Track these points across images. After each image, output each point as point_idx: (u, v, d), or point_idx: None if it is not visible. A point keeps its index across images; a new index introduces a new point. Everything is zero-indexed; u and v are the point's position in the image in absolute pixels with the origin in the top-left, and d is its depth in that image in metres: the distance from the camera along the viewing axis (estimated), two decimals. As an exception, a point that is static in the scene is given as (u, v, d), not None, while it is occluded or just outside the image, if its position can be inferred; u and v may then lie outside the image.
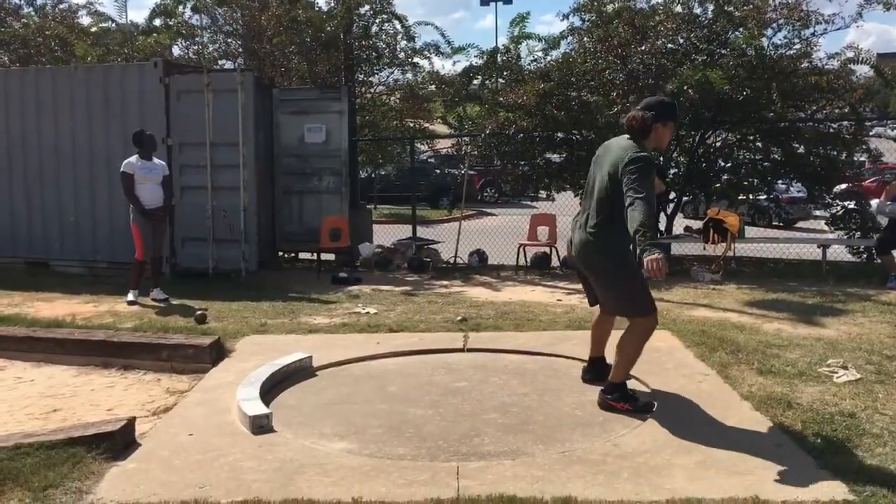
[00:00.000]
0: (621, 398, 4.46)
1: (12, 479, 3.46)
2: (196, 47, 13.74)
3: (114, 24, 15.15)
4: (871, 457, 3.69)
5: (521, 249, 10.53)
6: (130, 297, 7.92)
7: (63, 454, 3.66)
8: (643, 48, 10.18)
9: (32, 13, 15.69)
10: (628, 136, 4.36)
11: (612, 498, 3.24)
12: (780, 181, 12.10)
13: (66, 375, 5.52)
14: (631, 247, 4.53)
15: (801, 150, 10.61)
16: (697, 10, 10.79)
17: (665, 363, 5.33)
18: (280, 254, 11.36)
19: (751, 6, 10.39)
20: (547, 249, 10.56)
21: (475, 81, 12.57)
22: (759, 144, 10.96)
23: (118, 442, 3.82)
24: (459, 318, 6.92)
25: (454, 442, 4.04)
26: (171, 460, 3.76)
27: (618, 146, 4.35)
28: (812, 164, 10.53)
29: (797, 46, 10.41)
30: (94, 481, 3.50)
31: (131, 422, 4.02)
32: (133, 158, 8.01)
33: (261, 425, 4.13)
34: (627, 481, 3.44)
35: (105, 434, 3.80)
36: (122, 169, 8.00)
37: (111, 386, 5.27)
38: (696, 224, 10.96)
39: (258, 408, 4.28)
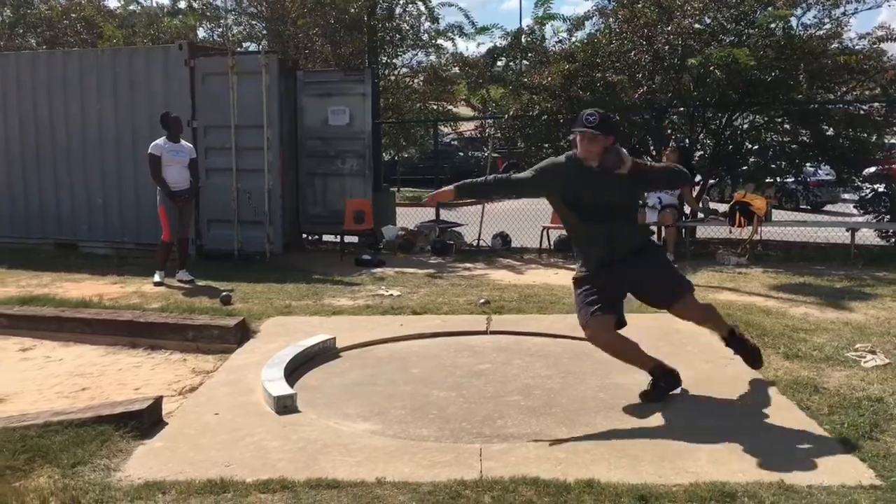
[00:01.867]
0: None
1: (42, 456, 3.52)
2: (221, 30, 13.78)
3: (139, 6, 15.24)
4: (899, 442, 3.64)
5: (545, 232, 10.48)
6: (157, 277, 8.00)
7: (92, 432, 3.72)
8: (669, 28, 10.06)
9: None
10: None
11: (636, 481, 3.23)
12: (808, 164, 11.95)
13: (94, 355, 5.60)
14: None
15: (831, 132, 10.45)
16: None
17: (688, 346, 5.30)
18: (304, 236, 11.41)
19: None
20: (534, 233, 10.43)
21: (499, 63, 12.52)
22: (787, 126, 10.81)
23: (145, 421, 3.87)
24: (482, 300, 6.92)
25: (477, 424, 4.05)
26: (197, 439, 3.81)
27: None
28: (841, 147, 10.37)
29: (827, 26, 10.24)
30: (122, 459, 3.55)
31: (158, 401, 4.08)
32: (160, 140, 8.06)
33: (285, 406, 4.16)
34: (650, 464, 3.43)
35: (133, 413, 3.85)
36: (149, 150, 8.06)
37: (138, 366, 5.34)
38: (723, 207, 10.84)
39: (283, 388, 4.31)
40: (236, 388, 4.58)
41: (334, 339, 5.44)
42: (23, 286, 7.89)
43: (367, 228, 10.45)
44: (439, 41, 13.46)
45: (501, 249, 10.72)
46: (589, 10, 11.27)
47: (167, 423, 4.00)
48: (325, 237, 11.59)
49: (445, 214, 12.00)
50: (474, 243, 11.00)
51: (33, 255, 9.79)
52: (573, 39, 11.31)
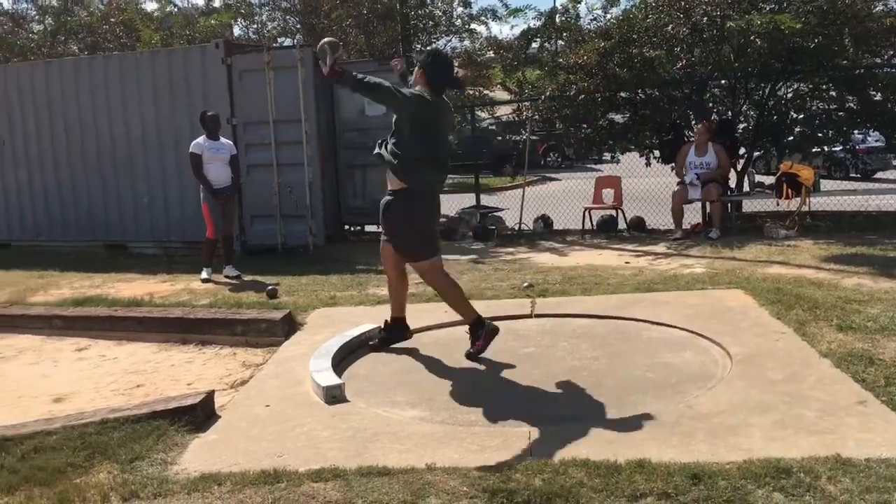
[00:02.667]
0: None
1: (101, 453, 3.62)
2: (255, 26, 13.90)
3: (176, 8, 15.44)
4: (960, 412, 3.54)
5: (587, 213, 10.40)
6: (204, 274, 8.14)
7: (148, 427, 3.81)
8: (707, -1, 9.86)
9: (97, 1, 16.10)
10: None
11: (688, 459, 3.20)
12: (856, 131, 11.63)
13: (147, 352, 5.72)
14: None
15: (879, 97, 10.15)
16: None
17: (739, 322, 5.21)
18: (346, 228, 11.47)
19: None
20: (613, 212, 10.41)
21: (534, 44, 12.41)
22: (832, 94, 10.53)
23: (199, 415, 3.95)
24: (526, 284, 6.90)
25: (524, 407, 4.04)
26: (249, 431, 3.87)
27: None
28: (891, 112, 10.07)
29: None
30: (178, 452, 3.63)
31: (211, 395, 4.15)
32: (200, 139, 8.17)
33: (334, 395, 4.20)
34: (703, 442, 3.39)
35: (187, 407, 3.93)
36: (190, 149, 8.18)
37: (190, 361, 5.44)
38: (769, 179, 10.63)
39: (331, 378, 4.36)
40: (285, 380, 4.64)
41: (380, 328, 5.47)
42: (76, 288, 8.08)
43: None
44: (472, 25, 13.40)
45: (543, 232, 10.67)
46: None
47: (220, 417, 4.08)
48: (368, 228, 11.64)
49: (486, 200, 11.98)
50: (516, 227, 10.96)
51: (85, 258, 10.02)
52: (608, 17, 11.17)
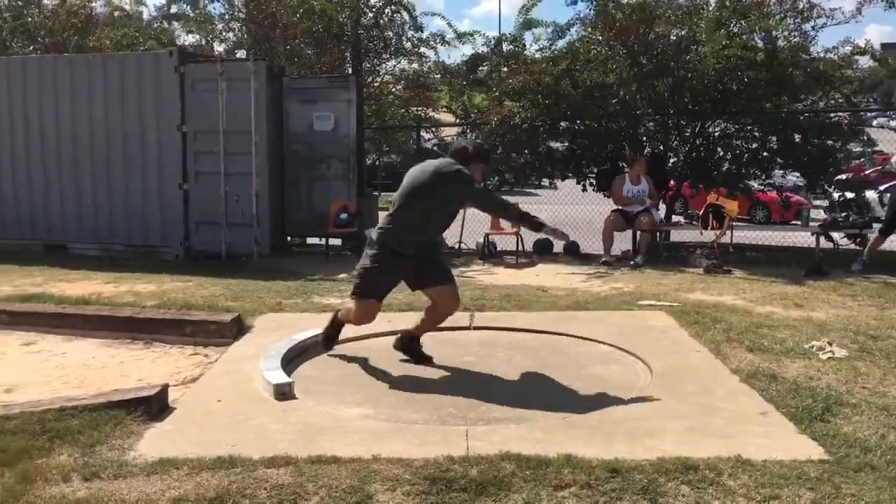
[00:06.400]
0: None
1: (60, 437, 3.79)
2: (211, 36, 14.01)
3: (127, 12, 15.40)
4: (847, 424, 4.00)
5: (486, 238, 10.71)
6: None
7: (105, 416, 3.99)
8: (649, 37, 10.43)
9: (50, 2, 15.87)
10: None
11: (608, 457, 3.56)
12: (778, 169, 12.38)
13: (95, 349, 5.84)
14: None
15: (798, 139, 10.88)
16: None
17: (661, 340, 5.65)
18: (288, 239, 11.65)
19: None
20: (513, 237, 10.62)
21: (481, 68, 12.85)
22: (756, 134, 11.22)
23: (154, 406, 4.14)
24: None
25: (463, 409, 4.37)
26: (203, 423, 4.09)
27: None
28: (809, 153, 10.79)
29: (795, 40, 10.67)
30: (134, 440, 3.82)
31: (165, 388, 4.35)
32: None
33: (283, 392, 4.45)
34: (622, 443, 3.76)
35: (142, 399, 4.13)
36: None
37: (139, 359, 5.60)
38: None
39: (281, 377, 4.61)
40: (236, 378, 4.86)
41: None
42: (17, 285, 8.07)
43: (352, 232, 10.70)
44: (422, 49, 13.77)
45: (482, 252, 11.02)
46: (570, 19, 11.60)
47: (174, 409, 4.28)
48: (310, 240, 11.84)
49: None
50: (455, 246, 11.29)
51: (24, 256, 9.95)
52: (553, 48, 11.65)
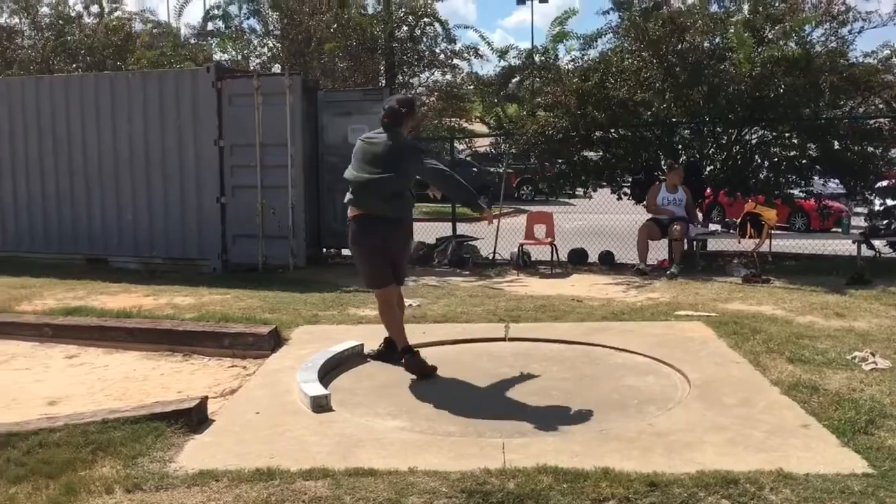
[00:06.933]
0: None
1: (103, 449, 3.86)
2: (246, 52, 14.22)
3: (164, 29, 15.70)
4: (892, 436, 3.92)
5: (520, 248, 10.70)
6: None
7: (146, 428, 4.06)
8: (681, 47, 10.37)
9: (90, 21, 16.24)
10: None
11: (647, 470, 3.53)
12: (817, 177, 12.18)
13: (136, 361, 5.94)
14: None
15: (837, 146, 10.70)
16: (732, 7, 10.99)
17: (699, 352, 5.59)
18: (324, 251, 11.74)
19: (788, 3, 10.54)
20: (548, 247, 10.62)
21: (513, 80, 12.85)
22: (794, 141, 11.06)
23: (193, 418, 4.21)
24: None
25: (499, 421, 4.37)
26: (241, 435, 4.14)
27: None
28: (848, 160, 10.61)
29: (833, 45, 10.52)
30: (175, 452, 3.88)
31: (204, 400, 4.41)
32: None
33: (320, 405, 4.49)
34: (661, 456, 3.73)
35: (182, 411, 4.19)
36: None
37: (178, 371, 5.68)
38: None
39: (318, 389, 4.65)
40: (274, 390, 4.91)
41: (362, 345, 5.77)
42: (60, 299, 8.23)
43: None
44: (455, 61, 13.83)
45: (516, 262, 11.00)
46: (601, 28, 11.55)
47: (213, 421, 4.34)
48: (345, 251, 11.90)
49: (461, 228, 12.33)
50: (490, 256, 11.30)
51: (66, 270, 10.13)
52: (585, 58, 11.63)
